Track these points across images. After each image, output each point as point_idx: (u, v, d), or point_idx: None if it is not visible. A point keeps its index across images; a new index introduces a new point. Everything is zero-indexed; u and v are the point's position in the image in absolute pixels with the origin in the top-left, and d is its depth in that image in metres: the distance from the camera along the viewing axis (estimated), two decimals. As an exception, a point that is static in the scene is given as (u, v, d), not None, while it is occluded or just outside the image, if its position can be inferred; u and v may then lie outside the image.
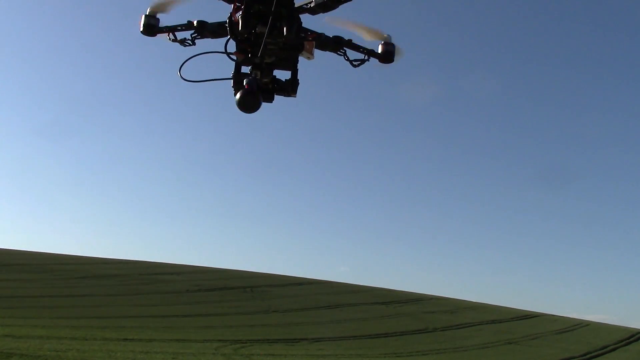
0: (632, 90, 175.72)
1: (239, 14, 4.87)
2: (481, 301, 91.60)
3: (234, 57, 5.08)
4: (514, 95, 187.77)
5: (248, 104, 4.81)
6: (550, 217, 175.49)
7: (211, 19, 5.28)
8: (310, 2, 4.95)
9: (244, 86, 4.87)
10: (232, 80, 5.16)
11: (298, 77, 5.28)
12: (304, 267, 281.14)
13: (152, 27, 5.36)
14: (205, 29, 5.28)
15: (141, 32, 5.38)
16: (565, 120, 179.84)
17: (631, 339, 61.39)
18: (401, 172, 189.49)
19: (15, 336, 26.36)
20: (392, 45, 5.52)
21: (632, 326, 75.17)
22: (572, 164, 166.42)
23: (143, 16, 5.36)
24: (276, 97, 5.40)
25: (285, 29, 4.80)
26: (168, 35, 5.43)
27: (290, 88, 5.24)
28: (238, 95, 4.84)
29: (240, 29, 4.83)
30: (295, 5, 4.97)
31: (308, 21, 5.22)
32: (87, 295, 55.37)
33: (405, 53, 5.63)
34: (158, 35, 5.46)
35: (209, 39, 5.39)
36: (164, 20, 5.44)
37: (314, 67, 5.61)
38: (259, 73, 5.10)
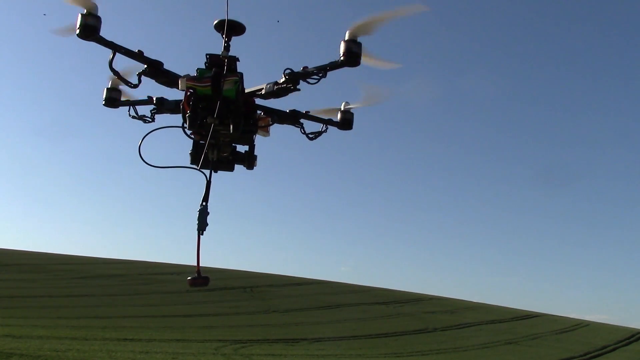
0: (632, 90, 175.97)
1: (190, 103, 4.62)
2: (481, 301, 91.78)
3: (192, 135, 4.94)
4: (514, 95, 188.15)
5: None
6: (550, 217, 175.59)
7: (170, 95, 5.19)
8: (262, 89, 4.78)
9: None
10: (192, 159, 5.00)
11: (255, 153, 5.17)
12: (304, 267, 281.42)
13: (113, 101, 5.36)
14: (163, 106, 5.24)
15: (103, 104, 5.38)
16: (564, 120, 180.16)
17: (631, 339, 61.30)
18: (401, 172, 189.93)
19: (15, 336, 26.32)
20: (351, 114, 5.48)
21: (632, 326, 75.20)
22: (572, 164, 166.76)
23: (105, 89, 5.35)
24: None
25: (231, 126, 4.59)
26: (128, 111, 5.42)
27: (247, 162, 5.17)
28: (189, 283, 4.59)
29: (188, 124, 4.65)
30: (247, 91, 4.81)
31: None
32: (87, 295, 55.31)
33: (389, 97, 5.46)
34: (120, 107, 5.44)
35: (169, 114, 5.31)
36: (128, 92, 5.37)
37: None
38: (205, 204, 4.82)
